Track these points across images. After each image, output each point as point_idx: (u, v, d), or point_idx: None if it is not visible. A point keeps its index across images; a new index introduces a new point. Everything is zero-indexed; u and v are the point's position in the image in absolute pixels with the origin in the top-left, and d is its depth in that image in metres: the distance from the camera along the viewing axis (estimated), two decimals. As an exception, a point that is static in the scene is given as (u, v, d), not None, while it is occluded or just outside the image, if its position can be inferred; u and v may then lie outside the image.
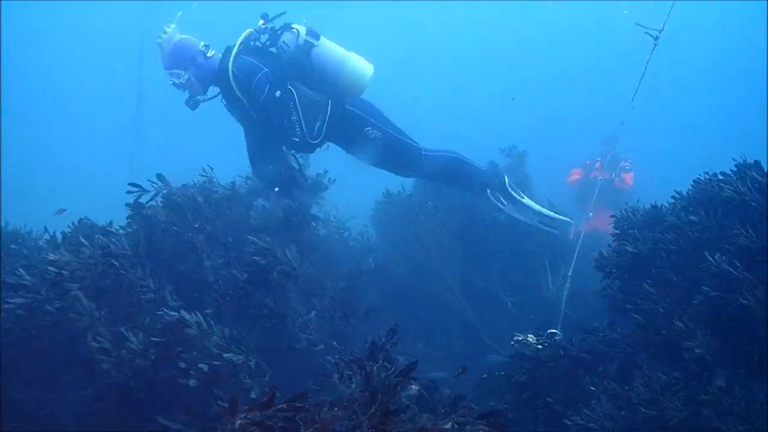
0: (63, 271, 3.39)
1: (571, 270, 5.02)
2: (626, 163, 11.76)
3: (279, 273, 3.96)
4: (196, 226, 4.20)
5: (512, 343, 4.62)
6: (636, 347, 4.07)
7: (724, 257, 3.70)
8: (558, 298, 6.45)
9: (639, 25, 4.90)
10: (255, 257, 3.95)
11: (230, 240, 4.34)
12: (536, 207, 6.29)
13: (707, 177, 4.33)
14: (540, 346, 4.18)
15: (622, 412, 3.66)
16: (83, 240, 3.72)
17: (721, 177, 4.23)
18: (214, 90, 5.59)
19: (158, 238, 4.10)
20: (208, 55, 5.44)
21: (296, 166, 5.70)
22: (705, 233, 4.03)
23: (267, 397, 2.24)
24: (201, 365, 3.17)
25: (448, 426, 2.56)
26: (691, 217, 4.11)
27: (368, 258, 6.81)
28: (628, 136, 13.71)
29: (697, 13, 23.52)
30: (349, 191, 8.02)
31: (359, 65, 5.65)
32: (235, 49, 5.31)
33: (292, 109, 5.36)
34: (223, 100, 5.58)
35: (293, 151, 5.74)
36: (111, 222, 4.17)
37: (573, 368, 4.17)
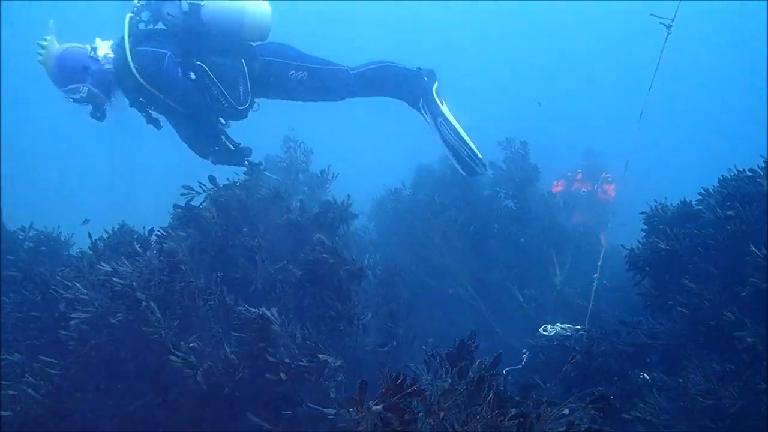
0: (132, 282, 3.14)
1: (599, 264, 5.08)
2: (608, 175, 12.09)
3: (346, 273, 3.81)
4: (245, 230, 4.00)
5: (542, 332, 4.66)
6: (681, 340, 4.15)
7: (768, 249, 3.83)
8: (566, 291, 6.60)
9: (654, 16, 4.98)
10: (324, 255, 3.78)
11: (282, 240, 4.16)
12: (458, 126, 5.86)
13: (735, 173, 4.49)
14: (590, 340, 4.20)
15: (681, 403, 3.71)
16: (137, 247, 3.47)
17: (749, 173, 4.40)
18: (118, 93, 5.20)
19: (212, 241, 3.89)
20: (100, 58, 5.02)
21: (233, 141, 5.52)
22: (743, 226, 4.15)
23: (395, 382, 2.23)
24: (287, 360, 3.02)
25: (566, 411, 2.55)
26: (728, 212, 4.23)
27: (376, 255, 6.79)
28: (609, 148, 14.22)
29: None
30: (341, 186, 7.89)
31: (257, 7, 5.27)
32: (126, 44, 4.90)
33: (210, 85, 5.15)
34: (130, 100, 5.24)
35: (227, 123, 5.59)
36: (152, 228, 3.94)
37: (622, 362, 4.21)
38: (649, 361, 4.27)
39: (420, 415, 2.30)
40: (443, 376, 2.80)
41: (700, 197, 4.72)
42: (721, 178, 4.60)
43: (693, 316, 4.10)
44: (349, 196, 5.25)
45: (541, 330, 4.36)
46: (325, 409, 3.17)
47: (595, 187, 11.58)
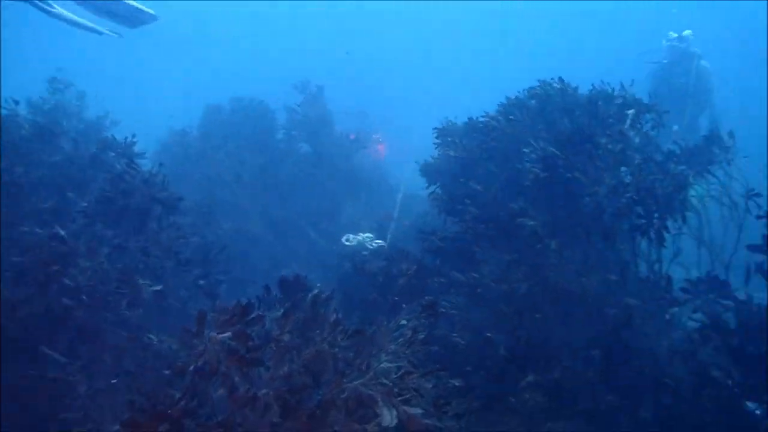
0: None
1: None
2: (378, 136, 12.71)
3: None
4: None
5: (345, 242, 4.62)
6: (473, 237, 4.29)
7: (543, 142, 4.11)
8: (361, 224, 6.66)
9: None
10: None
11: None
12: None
13: (516, 95, 4.78)
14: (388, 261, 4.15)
15: (479, 290, 3.81)
16: None
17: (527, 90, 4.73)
18: None
19: None
20: None
21: None
22: (519, 129, 4.42)
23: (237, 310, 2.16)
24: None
25: (403, 322, 2.48)
26: (510, 117, 4.47)
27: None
28: (379, 110, 14.82)
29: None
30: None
31: None
32: None
33: None
34: None
35: None
36: None
37: (422, 278, 4.24)
38: (450, 264, 4.35)
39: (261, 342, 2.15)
40: (277, 306, 2.53)
41: (484, 114, 4.93)
42: (502, 101, 4.84)
43: (482, 213, 4.26)
44: (134, 135, 4.73)
45: (343, 240, 4.26)
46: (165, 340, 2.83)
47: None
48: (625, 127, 4.29)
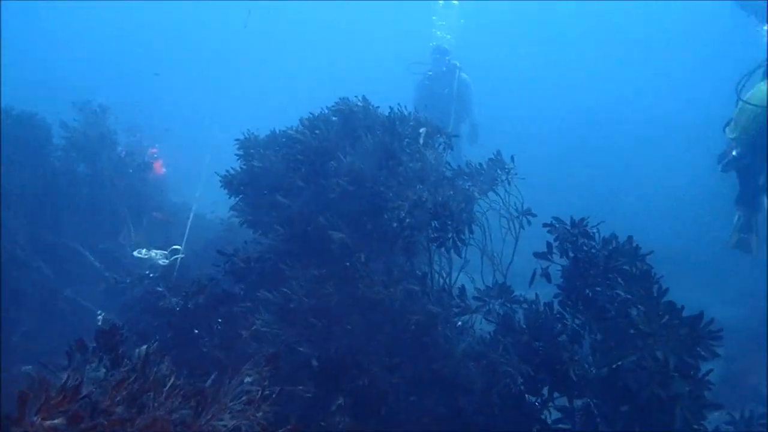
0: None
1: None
2: (154, 150, 11.90)
3: None
4: None
5: (137, 254, 4.33)
6: (280, 254, 4.17)
7: (351, 157, 4.19)
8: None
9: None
10: None
11: None
12: None
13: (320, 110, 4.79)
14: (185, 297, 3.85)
15: (292, 305, 3.70)
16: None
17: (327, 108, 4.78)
18: None
19: None
20: None
21: None
22: (325, 143, 4.44)
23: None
24: None
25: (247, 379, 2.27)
26: (316, 131, 4.46)
27: None
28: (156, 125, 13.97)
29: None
30: None
31: None
32: None
33: None
34: None
35: None
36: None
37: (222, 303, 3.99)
38: (253, 281, 4.16)
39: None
40: (96, 365, 2.07)
41: (286, 128, 4.85)
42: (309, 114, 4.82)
43: (288, 230, 4.17)
44: None
45: (135, 252, 3.89)
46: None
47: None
48: (420, 145, 4.59)
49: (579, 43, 25.20)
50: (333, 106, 4.71)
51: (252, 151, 4.62)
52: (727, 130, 6.26)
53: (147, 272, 4.91)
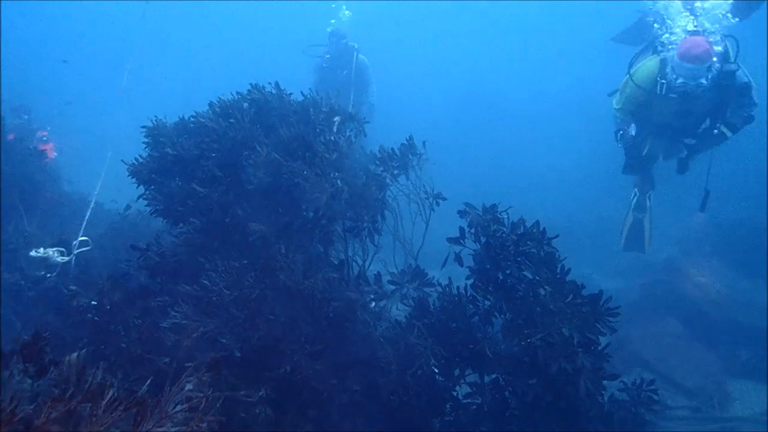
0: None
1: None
2: (44, 133, 11.07)
3: None
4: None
5: (33, 253, 4.21)
6: (197, 247, 4.13)
7: (267, 148, 4.19)
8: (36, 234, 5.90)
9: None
10: None
11: None
12: None
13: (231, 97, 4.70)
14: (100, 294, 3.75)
15: (213, 296, 3.70)
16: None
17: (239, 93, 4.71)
18: None
19: None
20: None
21: None
22: (241, 132, 4.40)
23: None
24: None
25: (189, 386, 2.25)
26: (231, 120, 4.40)
27: None
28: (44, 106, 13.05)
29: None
30: None
31: None
32: None
33: None
34: None
35: None
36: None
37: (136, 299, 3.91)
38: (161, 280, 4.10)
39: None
40: (18, 377, 1.97)
41: (195, 115, 4.71)
42: (217, 99, 4.72)
43: (206, 220, 4.13)
44: None
45: (33, 252, 3.77)
46: None
47: (31, 147, 10.26)
48: (334, 133, 4.66)
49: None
50: (246, 94, 4.65)
51: (162, 139, 4.47)
52: (613, 101, 6.82)
53: (43, 273, 4.66)
